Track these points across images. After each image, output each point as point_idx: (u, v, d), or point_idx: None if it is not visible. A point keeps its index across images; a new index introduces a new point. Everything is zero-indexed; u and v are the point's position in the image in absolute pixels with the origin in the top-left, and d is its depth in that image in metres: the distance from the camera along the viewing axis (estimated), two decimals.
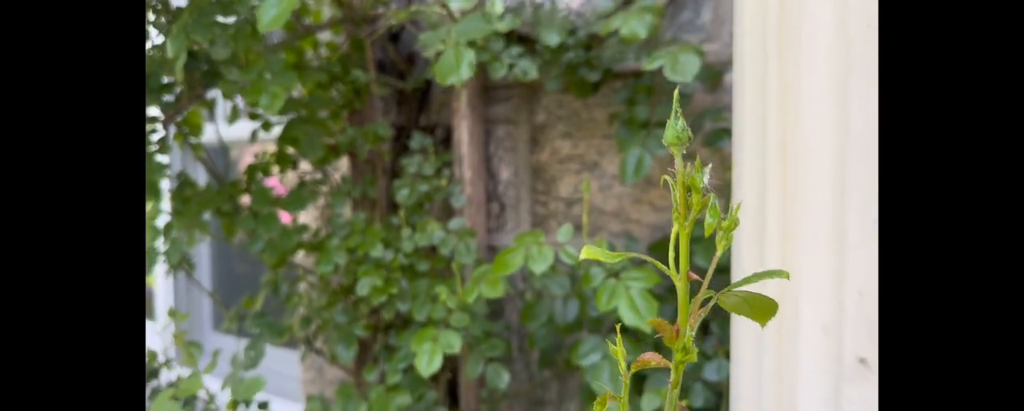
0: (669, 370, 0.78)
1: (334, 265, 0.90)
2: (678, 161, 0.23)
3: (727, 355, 0.78)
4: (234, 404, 0.67)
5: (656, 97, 0.87)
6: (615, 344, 0.79)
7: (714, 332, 0.82)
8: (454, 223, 0.96)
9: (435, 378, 1.04)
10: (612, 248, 0.94)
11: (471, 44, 0.80)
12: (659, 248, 0.95)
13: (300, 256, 1.35)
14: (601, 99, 1.02)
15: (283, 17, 0.72)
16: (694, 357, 0.24)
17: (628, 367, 0.28)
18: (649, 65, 0.75)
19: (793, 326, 0.58)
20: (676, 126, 0.23)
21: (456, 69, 0.78)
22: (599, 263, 0.81)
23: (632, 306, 0.74)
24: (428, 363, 0.82)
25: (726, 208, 0.79)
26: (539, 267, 0.77)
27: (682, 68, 0.73)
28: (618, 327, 0.30)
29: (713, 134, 0.85)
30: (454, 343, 0.83)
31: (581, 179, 1.05)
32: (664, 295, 0.89)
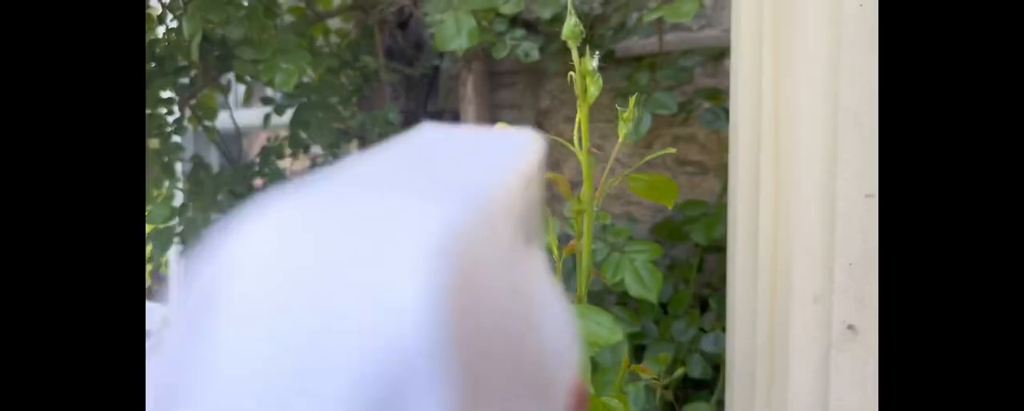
0: (667, 342, 0.79)
1: None
2: (574, 53, 0.28)
3: (724, 329, 0.80)
4: None
5: (656, 75, 0.89)
6: (614, 315, 0.81)
7: (712, 308, 0.84)
8: None
9: None
10: (615, 227, 0.96)
11: (472, 12, 0.81)
12: (661, 229, 0.97)
13: None
14: (604, 84, 1.04)
15: None
16: (588, 209, 0.28)
17: (561, 254, 0.31)
18: (648, 17, 0.77)
19: (785, 296, 0.60)
20: (570, 22, 0.28)
21: (456, 36, 0.80)
22: (603, 239, 0.83)
23: (637, 277, 0.77)
24: None
25: (724, 188, 0.81)
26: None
27: (680, 12, 0.74)
28: (549, 223, 0.34)
29: (713, 115, 0.86)
30: None
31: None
32: (665, 273, 0.91)
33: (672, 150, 0.33)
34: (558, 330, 0.14)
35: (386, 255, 0.10)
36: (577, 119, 0.28)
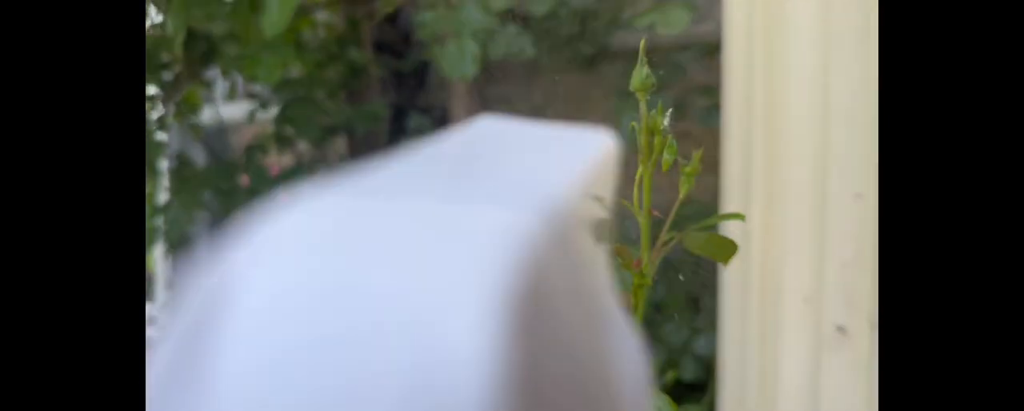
0: (659, 344, 0.78)
1: None
2: (643, 105, 0.26)
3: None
4: None
5: (653, 69, 0.88)
6: None
7: (705, 308, 0.83)
8: None
9: None
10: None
11: (473, 35, 0.80)
12: (655, 228, 0.96)
13: None
14: (598, 79, 1.02)
15: (285, 19, 0.72)
16: (649, 281, 0.26)
17: None
18: (639, 22, 0.76)
19: (775, 297, 0.59)
20: (641, 73, 0.26)
21: (461, 63, 0.79)
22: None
23: (623, 283, 0.75)
24: None
25: (717, 188, 0.80)
26: None
27: (672, 20, 0.73)
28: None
29: (707, 112, 0.85)
30: None
31: None
32: (658, 272, 0.90)
33: (741, 216, 0.31)
34: (629, 358, 0.12)
35: (438, 278, 0.08)
36: (638, 176, 0.26)
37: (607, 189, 0.14)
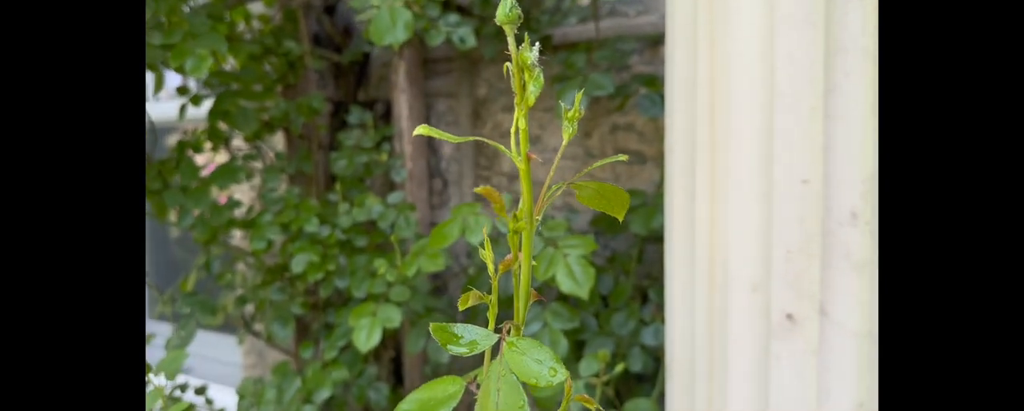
0: (607, 336, 0.77)
1: (267, 242, 0.88)
2: (511, 41, 0.25)
3: (664, 320, 0.79)
4: (169, 374, 0.65)
5: (593, 56, 0.87)
6: (553, 311, 0.78)
7: (652, 299, 0.83)
8: (393, 197, 0.95)
9: (377, 355, 1.03)
10: (552, 219, 0.94)
11: (406, 4, 0.78)
12: (601, 220, 0.95)
13: (238, 238, 1.31)
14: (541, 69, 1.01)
15: None
16: (525, 226, 0.25)
17: (496, 269, 0.29)
18: None
19: (723, 286, 0.59)
20: (505, 5, 0.25)
21: (392, 29, 0.76)
22: (538, 233, 0.80)
23: (570, 273, 0.74)
24: (367, 338, 0.80)
25: (664, 177, 0.79)
26: (476, 237, 0.77)
27: None
28: (486, 234, 0.31)
29: (650, 101, 0.85)
30: (394, 317, 0.82)
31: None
32: (604, 265, 0.89)
33: (624, 157, 0.30)
34: None
35: None
36: (515, 118, 0.25)
37: None
